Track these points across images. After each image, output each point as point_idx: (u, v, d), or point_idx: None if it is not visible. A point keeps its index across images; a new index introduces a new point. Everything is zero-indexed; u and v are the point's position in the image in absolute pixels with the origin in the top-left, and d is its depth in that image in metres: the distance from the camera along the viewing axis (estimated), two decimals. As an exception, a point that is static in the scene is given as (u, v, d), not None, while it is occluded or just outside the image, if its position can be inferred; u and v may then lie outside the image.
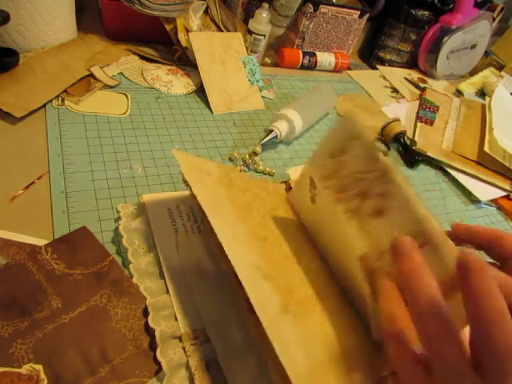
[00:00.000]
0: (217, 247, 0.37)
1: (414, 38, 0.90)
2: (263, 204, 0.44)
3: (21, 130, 0.50)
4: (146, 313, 0.35)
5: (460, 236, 0.40)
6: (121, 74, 0.63)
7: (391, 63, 0.95)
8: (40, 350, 0.32)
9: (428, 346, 0.25)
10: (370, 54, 0.95)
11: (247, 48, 0.72)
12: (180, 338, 0.34)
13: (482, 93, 0.92)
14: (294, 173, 0.51)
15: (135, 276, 0.38)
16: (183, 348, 0.34)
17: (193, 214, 0.44)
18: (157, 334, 0.34)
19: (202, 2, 0.67)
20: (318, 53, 0.83)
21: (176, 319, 0.35)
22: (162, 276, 0.38)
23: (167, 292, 0.37)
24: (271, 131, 0.58)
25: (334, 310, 0.36)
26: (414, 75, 0.95)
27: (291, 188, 0.50)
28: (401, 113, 0.79)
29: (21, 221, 0.40)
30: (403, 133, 0.69)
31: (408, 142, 0.70)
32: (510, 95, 0.88)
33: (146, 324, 0.35)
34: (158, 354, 0.33)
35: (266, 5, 0.70)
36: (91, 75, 0.60)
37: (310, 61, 0.82)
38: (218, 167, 0.44)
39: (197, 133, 0.58)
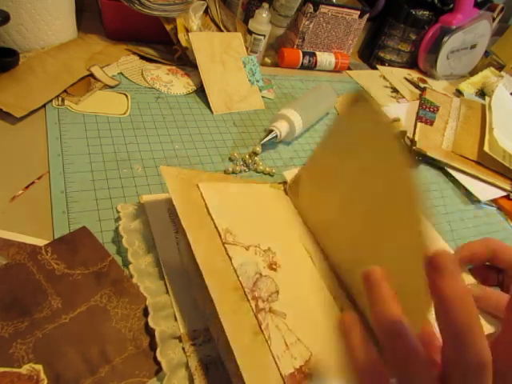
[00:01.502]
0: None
1: (414, 37, 0.90)
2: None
3: (21, 129, 0.50)
4: (145, 313, 0.35)
5: (464, 265, 0.40)
6: (121, 74, 0.63)
7: (391, 63, 0.95)
8: (40, 350, 0.32)
9: (394, 367, 0.24)
10: (370, 54, 0.95)
11: (247, 48, 0.72)
12: (180, 339, 0.34)
13: (482, 93, 0.92)
14: (291, 175, 0.51)
15: (135, 276, 0.38)
16: (183, 348, 0.34)
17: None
18: (156, 334, 0.33)
19: (202, 1, 0.67)
20: (318, 53, 0.83)
21: (176, 319, 0.35)
22: (161, 276, 0.38)
23: (167, 292, 0.37)
24: (271, 131, 0.58)
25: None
26: (414, 75, 0.95)
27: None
28: (401, 113, 0.79)
29: (21, 221, 0.40)
30: (403, 133, 0.70)
31: (408, 142, 0.70)
32: (510, 95, 0.88)
33: (146, 324, 0.34)
34: (157, 354, 0.33)
35: (266, 5, 0.70)
36: (91, 75, 0.60)
37: (309, 61, 0.82)
38: (210, 176, 0.45)
39: (197, 133, 0.58)
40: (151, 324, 0.34)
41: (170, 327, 0.35)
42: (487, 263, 0.41)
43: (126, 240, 0.40)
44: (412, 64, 0.97)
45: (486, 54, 1.03)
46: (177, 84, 0.65)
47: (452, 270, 0.22)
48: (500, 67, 1.01)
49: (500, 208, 0.66)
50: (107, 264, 0.38)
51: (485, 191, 0.66)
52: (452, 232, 0.58)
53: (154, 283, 0.38)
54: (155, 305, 0.36)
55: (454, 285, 0.22)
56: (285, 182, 0.51)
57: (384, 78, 0.90)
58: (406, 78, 0.92)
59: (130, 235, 0.40)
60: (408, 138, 0.72)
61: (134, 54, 0.68)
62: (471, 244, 0.41)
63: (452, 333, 0.22)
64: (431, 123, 0.76)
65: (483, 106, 0.82)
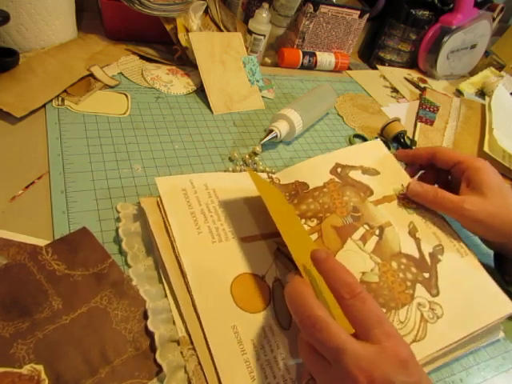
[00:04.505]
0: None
1: (414, 37, 0.90)
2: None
3: (21, 129, 0.50)
4: (145, 315, 0.35)
5: (405, 161, 0.54)
6: (121, 74, 0.63)
7: (391, 63, 0.95)
8: (41, 351, 0.32)
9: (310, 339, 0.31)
10: (370, 54, 0.95)
11: (247, 48, 0.72)
12: (178, 342, 0.34)
13: (481, 93, 0.92)
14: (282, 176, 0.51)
15: (135, 280, 0.38)
16: (181, 352, 0.34)
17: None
18: (156, 337, 0.34)
19: (202, 1, 0.67)
20: (318, 53, 0.83)
21: (174, 323, 0.35)
22: (161, 280, 0.38)
23: (166, 296, 0.37)
24: (271, 131, 0.58)
25: None
26: (414, 75, 0.95)
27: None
28: (401, 113, 0.79)
29: (21, 221, 0.40)
30: (403, 133, 0.69)
31: (408, 142, 0.70)
32: (510, 95, 0.88)
33: (146, 326, 0.35)
34: (157, 356, 0.33)
35: (266, 5, 0.70)
36: (91, 75, 0.60)
37: (310, 61, 0.82)
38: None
39: (197, 133, 0.58)
40: (150, 327, 0.34)
41: (169, 331, 0.35)
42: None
43: (126, 243, 0.40)
44: (412, 64, 0.97)
45: (486, 53, 1.03)
46: (177, 84, 0.65)
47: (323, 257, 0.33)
48: (500, 67, 1.01)
49: (500, 208, 0.65)
50: (107, 266, 0.38)
51: (485, 191, 0.66)
52: (452, 232, 0.58)
53: (153, 286, 0.38)
54: (154, 308, 0.35)
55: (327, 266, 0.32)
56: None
57: (384, 77, 0.90)
58: (406, 78, 0.92)
59: (129, 238, 0.40)
60: (408, 137, 0.72)
61: (134, 53, 0.68)
62: (416, 149, 0.54)
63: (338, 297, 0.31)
64: (431, 123, 0.76)
65: (483, 106, 0.82)
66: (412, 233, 0.46)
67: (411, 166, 0.54)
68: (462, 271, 0.44)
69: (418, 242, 0.45)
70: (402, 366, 0.28)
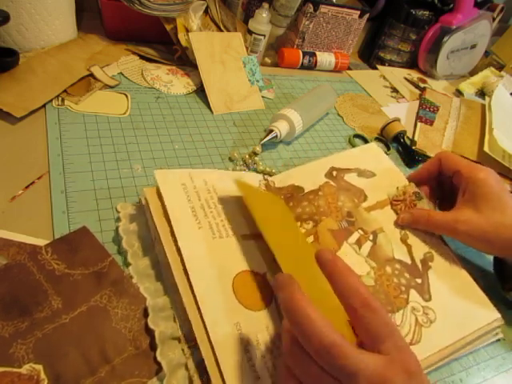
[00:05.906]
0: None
1: (414, 37, 0.90)
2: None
3: (21, 129, 0.50)
4: (145, 314, 0.35)
5: (419, 180, 0.51)
6: (121, 73, 0.63)
7: (391, 63, 0.95)
8: (40, 350, 0.32)
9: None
10: (370, 54, 0.95)
11: (247, 48, 0.72)
12: (179, 340, 0.34)
13: (481, 93, 0.92)
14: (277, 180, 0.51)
15: (135, 277, 0.38)
16: (182, 350, 0.34)
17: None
18: (156, 335, 0.33)
19: (202, 1, 0.67)
20: (318, 53, 0.83)
21: (175, 320, 0.35)
22: (160, 278, 0.38)
23: (166, 293, 0.37)
24: (271, 131, 0.58)
25: None
26: (414, 75, 0.95)
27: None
28: (401, 113, 0.79)
29: (21, 221, 0.40)
30: (403, 133, 0.70)
31: (408, 142, 0.70)
32: (509, 95, 0.88)
33: (146, 325, 0.35)
34: (157, 354, 0.33)
35: (266, 5, 0.70)
36: (91, 75, 0.60)
37: (310, 61, 0.82)
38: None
39: (197, 133, 0.58)
40: (151, 325, 0.34)
41: (170, 328, 0.35)
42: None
43: (126, 241, 0.40)
44: (412, 64, 0.97)
45: (486, 53, 1.04)
46: (177, 84, 0.65)
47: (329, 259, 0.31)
48: (500, 67, 1.01)
49: (500, 208, 0.65)
50: (107, 264, 0.38)
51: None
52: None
53: (153, 284, 0.38)
54: (155, 306, 0.35)
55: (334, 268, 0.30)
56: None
57: (384, 77, 0.90)
58: (405, 78, 0.92)
59: (129, 236, 0.40)
60: (408, 137, 0.72)
61: (134, 53, 0.68)
62: (422, 166, 0.51)
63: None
64: (431, 123, 0.76)
65: (483, 106, 0.82)
66: (403, 239, 0.47)
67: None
68: (451, 278, 0.45)
69: (409, 248, 0.46)
70: (410, 378, 0.27)
